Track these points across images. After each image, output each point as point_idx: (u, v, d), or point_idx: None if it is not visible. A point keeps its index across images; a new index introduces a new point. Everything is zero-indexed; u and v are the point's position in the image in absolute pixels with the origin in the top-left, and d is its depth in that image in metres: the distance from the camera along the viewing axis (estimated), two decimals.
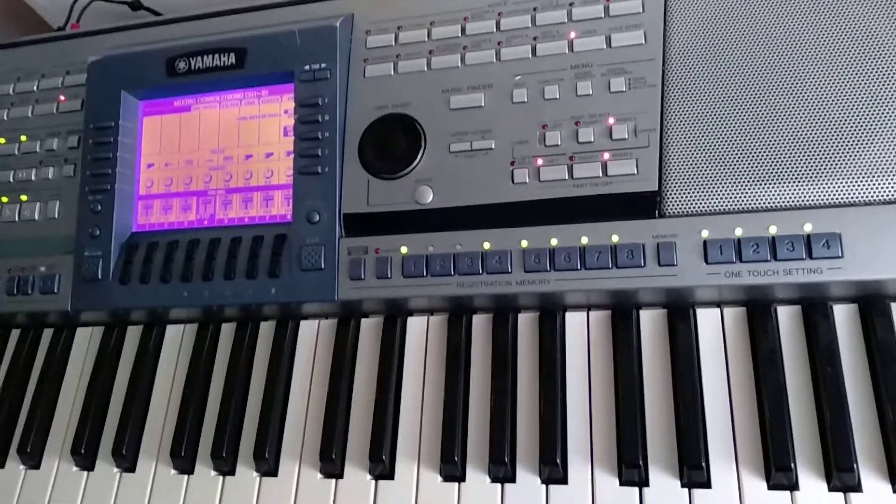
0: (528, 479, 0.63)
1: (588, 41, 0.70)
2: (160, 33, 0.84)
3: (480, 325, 0.71)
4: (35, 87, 0.86)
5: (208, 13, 0.83)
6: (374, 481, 0.67)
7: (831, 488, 0.58)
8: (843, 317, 0.63)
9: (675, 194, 0.65)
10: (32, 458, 0.76)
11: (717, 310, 0.66)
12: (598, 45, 0.70)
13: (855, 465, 0.57)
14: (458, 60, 0.73)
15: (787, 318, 0.64)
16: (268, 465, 0.69)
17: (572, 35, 0.71)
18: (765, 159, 0.64)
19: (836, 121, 0.64)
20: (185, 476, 0.72)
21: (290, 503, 0.68)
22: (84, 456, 0.74)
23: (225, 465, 0.70)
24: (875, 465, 0.58)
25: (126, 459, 0.73)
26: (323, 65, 0.75)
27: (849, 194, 0.62)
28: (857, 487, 0.57)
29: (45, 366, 0.81)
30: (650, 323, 0.67)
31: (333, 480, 0.68)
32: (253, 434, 0.71)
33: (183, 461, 0.71)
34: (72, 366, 0.80)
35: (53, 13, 1.07)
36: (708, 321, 0.66)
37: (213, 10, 0.84)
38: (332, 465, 0.67)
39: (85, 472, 0.74)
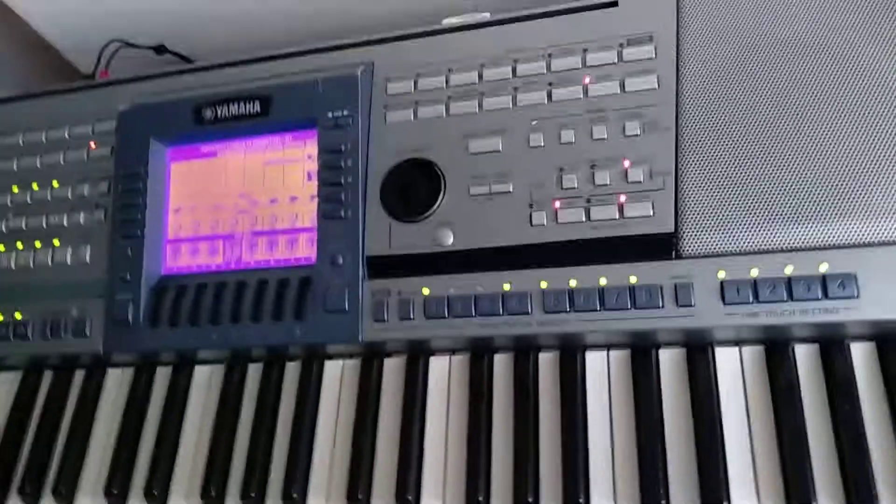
0: None
1: (602, 86, 0.72)
2: (187, 81, 0.86)
3: (502, 364, 0.72)
4: (66, 135, 0.89)
5: (233, 61, 0.85)
6: None
7: None
8: (861, 355, 0.64)
9: (691, 236, 0.66)
10: (66, 499, 0.78)
11: (736, 349, 0.67)
12: (612, 90, 0.71)
13: (876, 503, 0.58)
14: (475, 106, 0.75)
15: (805, 357, 0.65)
16: None
17: (587, 80, 0.72)
18: (780, 200, 0.65)
19: (851, 161, 0.65)
20: None
21: None
22: (116, 497, 0.76)
23: None
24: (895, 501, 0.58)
25: (157, 499, 0.75)
26: (345, 112, 0.77)
27: (864, 234, 0.63)
28: None
29: (78, 407, 0.82)
30: (670, 362, 0.68)
31: None
32: (281, 474, 0.72)
33: (213, 501, 0.73)
34: (103, 406, 0.82)
35: (83, 59, 1.10)
36: (727, 360, 0.67)
37: (237, 56, 0.86)
38: None
39: None
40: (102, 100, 0.89)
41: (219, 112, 0.81)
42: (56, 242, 0.86)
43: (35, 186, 0.89)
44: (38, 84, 1.04)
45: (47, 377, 0.86)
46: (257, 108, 0.80)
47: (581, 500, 0.63)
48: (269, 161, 0.81)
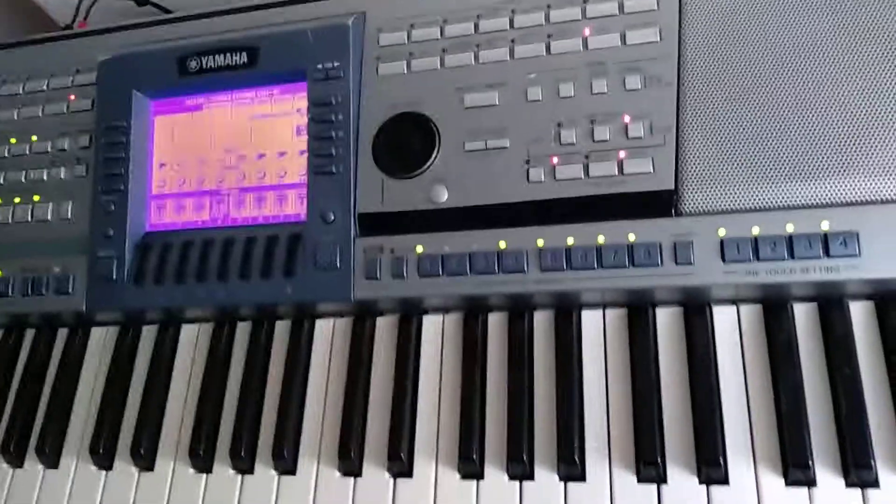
0: (546, 477, 0.64)
1: (603, 38, 0.70)
2: (170, 32, 0.83)
3: (496, 324, 0.71)
4: (45, 87, 0.86)
5: (218, 10, 0.82)
6: (392, 479, 0.67)
7: (849, 484, 0.58)
8: (860, 314, 0.64)
9: (691, 193, 0.65)
10: (51, 458, 0.76)
11: (734, 308, 0.66)
12: (612, 43, 0.69)
13: (872, 462, 0.57)
14: (471, 58, 0.73)
15: (804, 316, 0.65)
16: (286, 463, 0.70)
17: (587, 32, 0.70)
18: (782, 157, 0.64)
19: (854, 118, 0.63)
20: (204, 475, 0.72)
21: (308, 501, 0.68)
22: (102, 456, 0.75)
23: (243, 463, 0.71)
24: (893, 461, 0.58)
25: (144, 459, 0.73)
26: (336, 63, 0.75)
27: (867, 192, 0.62)
28: (875, 484, 0.58)
29: (61, 366, 0.81)
30: (666, 321, 0.67)
31: (352, 479, 0.68)
32: (271, 433, 0.71)
33: (201, 460, 0.72)
34: (87, 366, 0.80)
35: (61, 10, 1.06)
36: (724, 319, 0.66)
37: (222, 6, 0.83)
38: (350, 464, 0.68)
39: (103, 472, 0.75)
40: (82, 51, 0.86)
41: (204, 63, 0.78)
42: (36, 198, 0.83)
43: (13, 140, 0.86)
44: (14, 36, 1.00)
45: (29, 336, 0.84)
46: (244, 59, 0.77)
47: (576, 459, 0.63)
48: (256, 114, 0.79)
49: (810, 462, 0.59)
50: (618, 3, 0.70)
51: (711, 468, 0.60)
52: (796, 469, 0.59)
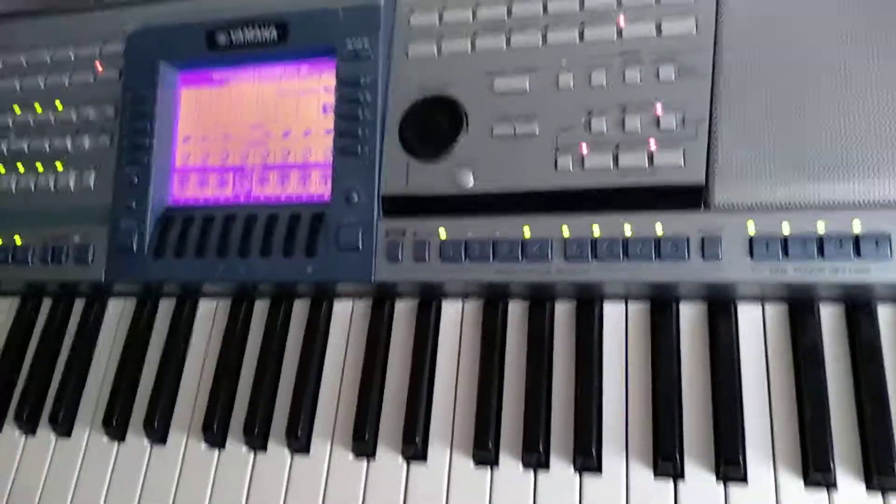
0: (561, 468, 0.63)
1: (637, 28, 0.69)
2: (199, 4, 0.82)
3: (516, 312, 0.70)
4: (72, 56, 0.85)
5: None
6: (405, 463, 0.67)
7: (870, 489, 0.57)
8: (887, 317, 0.63)
9: (722, 187, 0.64)
10: (63, 428, 0.76)
11: (759, 306, 0.65)
12: (647, 32, 0.68)
13: (895, 468, 0.57)
14: (503, 42, 0.72)
15: (830, 317, 0.64)
16: (300, 442, 0.69)
17: (621, 21, 0.69)
18: (815, 155, 0.63)
19: (890, 118, 0.62)
20: (216, 451, 0.72)
21: (321, 481, 0.68)
22: (115, 427, 0.74)
23: (256, 441, 0.70)
24: None
25: (157, 432, 0.73)
26: (366, 43, 0.74)
27: None
28: None
29: (78, 336, 0.81)
30: (690, 317, 0.66)
31: (365, 461, 0.68)
32: (285, 411, 0.71)
33: (214, 436, 0.72)
34: (104, 337, 0.80)
35: None
36: (749, 317, 0.65)
37: None
38: (364, 446, 0.68)
39: (116, 443, 0.75)
40: (110, 21, 0.86)
41: (233, 37, 0.78)
42: (59, 166, 0.83)
43: (38, 108, 0.85)
44: (42, 4, 1.00)
45: (46, 305, 0.84)
46: (274, 34, 0.77)
47: (592, 451, 0.62)
48: (283, 91, 0.78)
49: (831, 465, 0.58)
50: None
51: (730, 466, 0.60)
52: (817, 472, 0.58)
